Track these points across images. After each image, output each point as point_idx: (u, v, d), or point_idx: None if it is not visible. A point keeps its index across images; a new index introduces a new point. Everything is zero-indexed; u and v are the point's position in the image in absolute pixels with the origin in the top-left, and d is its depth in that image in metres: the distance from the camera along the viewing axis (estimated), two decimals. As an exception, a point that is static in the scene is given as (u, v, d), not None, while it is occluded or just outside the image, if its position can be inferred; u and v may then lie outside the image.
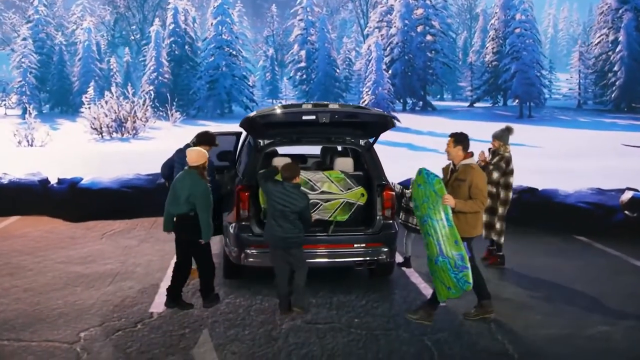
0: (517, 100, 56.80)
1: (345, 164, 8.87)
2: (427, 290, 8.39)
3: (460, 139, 7.13)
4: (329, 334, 6.89)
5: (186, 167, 7.56)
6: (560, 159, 23.25)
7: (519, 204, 12.68)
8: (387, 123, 8.11)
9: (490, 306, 7.35)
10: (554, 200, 12.61)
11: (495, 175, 9.30)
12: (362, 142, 8.78)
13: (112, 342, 6.62)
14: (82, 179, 14.10)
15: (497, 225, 9.55)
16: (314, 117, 7.73)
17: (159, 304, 7.80)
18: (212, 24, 61.68)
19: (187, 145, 8.41)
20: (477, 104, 65.57)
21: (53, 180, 14.31)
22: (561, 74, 76.03)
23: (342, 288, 8.39)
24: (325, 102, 8.41)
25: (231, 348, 6.50)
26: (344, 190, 8.63)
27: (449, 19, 69.39)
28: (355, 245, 8.15)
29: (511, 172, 9.50)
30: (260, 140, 8.56)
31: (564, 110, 58.53)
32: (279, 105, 9.41)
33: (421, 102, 61.91)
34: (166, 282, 8.51)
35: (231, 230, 8.19)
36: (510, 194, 9.62)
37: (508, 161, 9.42)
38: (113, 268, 9.41)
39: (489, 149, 9.67)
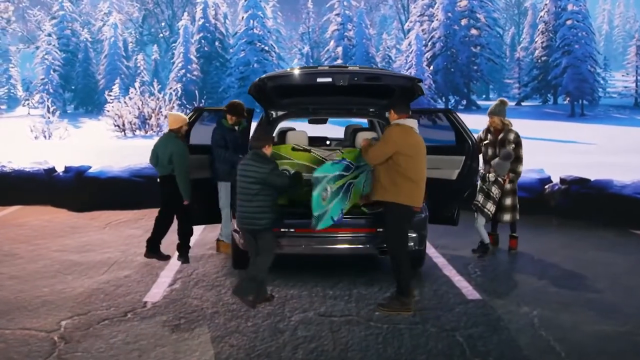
0: (568, 98, 55.48)
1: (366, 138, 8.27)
2: (460, 283, 7.77)
3: (392, 103, 7.09)
4: (345, 327, 6.30)
5: (166, 131, 8.54)
6: (616, 155, 22.26)
7: (568, 195, 12.00)
8: (413, 88, 7.45)
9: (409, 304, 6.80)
10: (608, 192, 11.79)
11: (522, 151, 9.14)
12: (387, 113, 8.14)
13: (96, 332, 6.12)
14: (89, 168, 13.73)
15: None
16: (330, 79, 7.12)
17: (155, 293, 7.31)
18: (243, 18, 61.63)
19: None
20: (525, 103, 64.35)
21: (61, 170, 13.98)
22: (616, 73, 74.26)
23: (364, 279, 7.79)
24: (344, 65, 7.83)
25: (230, 341, 5.94)
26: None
27: (495, 13, 68.21)
28: (378, 230, 7.52)
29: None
30: (272, 112, 8.00)
31: (619, 109, 56.96)
32: (292, 67, 8.87)
33: (464, 100, 60.93)
34: (167, 272, 8.22)
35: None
36: None
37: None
38: (111, 257, 8.97)
39: (485, 129, 9.43)
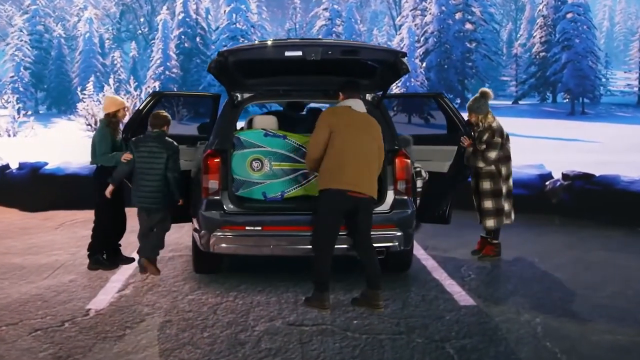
0: (568, 96, 55.18)
1: None
2: (452, 288, 7.16)
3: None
4: (316, 338, 5.66)
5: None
6: (622, 153, 21.89)
7: (571, 191, 11.46)
8: (397, 65, 6.79)
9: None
10: (614, 188, 11.25)
11: (494, 154, 8.15)
12: (368, 96, 7.55)
13: (24, 345, 5.45)
14: (46, 164, 13.11)
15: (506, 207, 8.39)
16: (300, 52, 6.48)
17: (101, 300, 6.66)
18: (225, 11, 61.04)
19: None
20: (522, 101, 64.01)
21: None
22: (618, 71, 74.18)
23: (342, 284, 7.16)
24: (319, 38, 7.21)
25: (181, 354, 5.28)
26: None
27: (492, 8, 67.91)
28: None
29: (508, 139, 8.43)
30: (237, 94, 7.37)
31: (622, 107, 56.78)
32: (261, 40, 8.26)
33: (459, 99, 60.50)
34: (118, 276, 7.61)
35: (197, 209, 7.00)
36: (511, 165, 8.51)
37: (500, 131, 8.24)
38: (59, 260, 8.34)
39: (467, 122, 8.53)
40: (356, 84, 6.71)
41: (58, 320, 6.06)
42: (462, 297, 6.84)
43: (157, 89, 49.25)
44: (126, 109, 8.00)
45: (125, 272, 7.69)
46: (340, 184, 6.21)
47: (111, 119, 7.81)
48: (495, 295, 6.98)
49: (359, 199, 6.29)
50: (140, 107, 8.53)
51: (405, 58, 6.75)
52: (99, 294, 6.85)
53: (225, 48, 6.90)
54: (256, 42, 7.11)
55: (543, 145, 25.45)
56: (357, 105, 6.40)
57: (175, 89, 54.43)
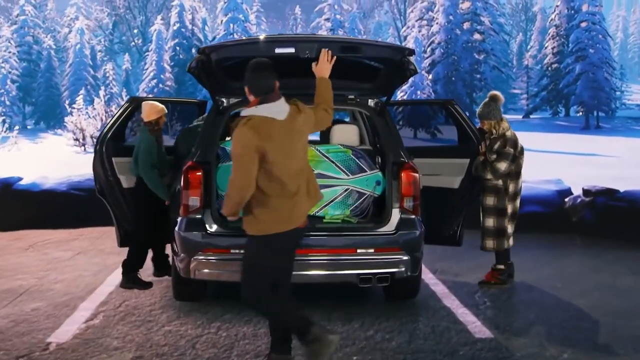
0: (581, 110, 54.85)
1: (346, 133, 7.12)
2: (465, 317, 6.62)
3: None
4: (309, 377, 5.09)
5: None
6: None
7: (593, 208, 10.94)
8: (403, 65, 6.27)
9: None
10: (642, 205, 10.74)
11: (504, 165, 7.54)
12: (371, 102, 7.03)
13: (-32, 387, 4.90)
14: (20, 179, 12.60)
15: (509, 229, 7.80)
16: (292, 49, 5.96)
17: (65, 332, 6.11)
18: (222, 21, 60.95)
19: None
20: (533, 115, 63.70)
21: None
22: (634, 85, 74.07)
23: (340, 313, 6.63)
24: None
25: (150, 398, 4.73)
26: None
27: (501, 18, 67.72)
28: (358, 251, 6.38)
29: (522, 153, 7.81)
30: (222, 99, 6.85)
31: (639, 121, 56.39)
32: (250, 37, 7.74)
33: (467, 113, 60.15)
34: (88, 303, 7.08)
35: (177, 229, 6.45)
36: (521, 183, 7.95)
37: (513, 141, 7.62)
38: (24, 284, 7.80)
39: (478, 129, 7.93)
40: (266, 73, 4.82)
41: (12, 356, 5.51)
42: (477, 328, 6.32)
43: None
44: (165, 115, 7.66)
45: (96, 298, 7.15)
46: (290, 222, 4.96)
47: (153, 127, 7.50)
48: (515, 326, 6.43)
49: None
50: (117, 115, 8.05)
51: (413, 57, 6.22)
52: (63, 325, 6.30)
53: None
54: (243, 37, 6.54)
55: (557, 160, 25.04)
56: (279, 110, 4.77)
57: (168, 104, 54.09)
